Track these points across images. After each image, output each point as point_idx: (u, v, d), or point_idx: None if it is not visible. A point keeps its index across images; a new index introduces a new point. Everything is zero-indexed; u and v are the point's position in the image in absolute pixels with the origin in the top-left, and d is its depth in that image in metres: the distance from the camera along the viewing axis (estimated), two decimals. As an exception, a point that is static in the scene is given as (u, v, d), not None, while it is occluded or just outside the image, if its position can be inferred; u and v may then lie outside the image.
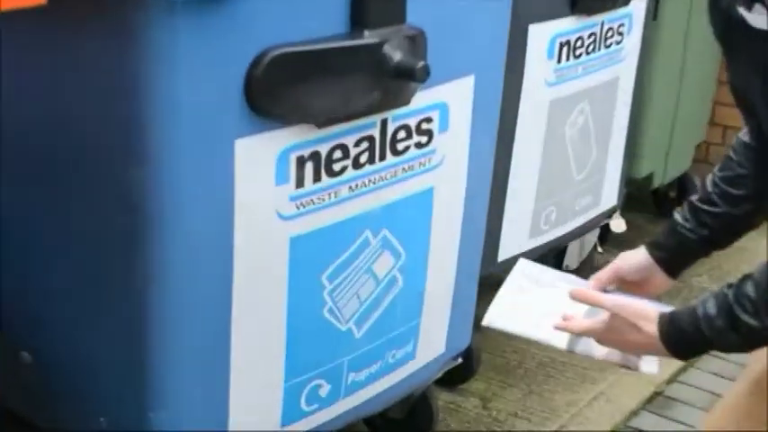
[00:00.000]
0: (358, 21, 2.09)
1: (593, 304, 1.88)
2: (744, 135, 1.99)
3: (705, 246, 2.01)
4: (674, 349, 1.71)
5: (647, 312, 1.75)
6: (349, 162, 2.20)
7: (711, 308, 1.62)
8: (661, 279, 2.04)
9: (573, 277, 2.20)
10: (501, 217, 3.11)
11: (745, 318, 1.55)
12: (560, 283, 2.09)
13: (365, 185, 2.26)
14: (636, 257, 2.04)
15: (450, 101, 2.40)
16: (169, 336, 2.03)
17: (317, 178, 2.15)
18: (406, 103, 2.25)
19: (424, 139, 2.36)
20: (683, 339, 1.69)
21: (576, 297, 1.92)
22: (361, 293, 2.36)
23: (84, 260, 2.09)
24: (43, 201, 2.06)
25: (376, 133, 2.24)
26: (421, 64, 2.13)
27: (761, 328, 1.54)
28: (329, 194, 2.19)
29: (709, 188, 2.00)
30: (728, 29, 1.64)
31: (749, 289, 1.56)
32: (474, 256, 2.69)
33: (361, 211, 2.28)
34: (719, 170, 2.02)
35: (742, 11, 1.54)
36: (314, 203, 2.16)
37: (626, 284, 2.04)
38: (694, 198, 2.03)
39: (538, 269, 2.20)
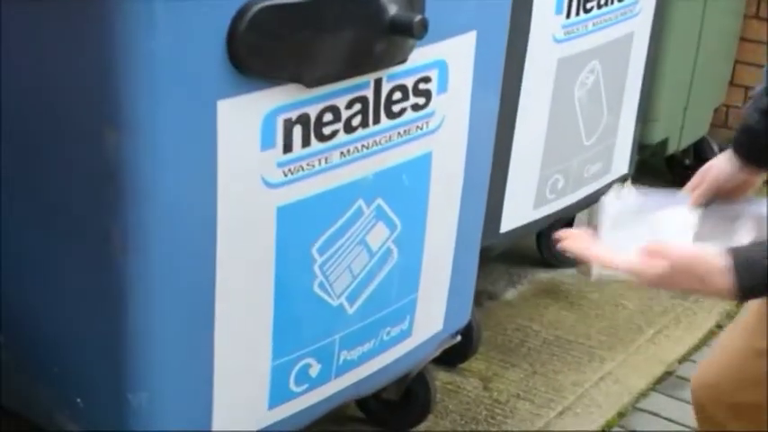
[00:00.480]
0: (350, -29, 2.09)
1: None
2: None
3: None
4: (747, 292, 1.61)
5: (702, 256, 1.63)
6: (340, 125, 2.20)
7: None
8: (755, 174, 2.10)
9: (677, 195, 2.11)
10: (504, 185, 3.11)
11: None
12: (670, 203, 2.01)
13: (358, 151, 2.26)
14: (726, 167, 2.05)
15: (450, 59, 2.40)
16: (148, 312, 2.04)
17: (305, 143, 2.15)
18: (403, 60, 2.25)
19: (421, 100, 2.36)
20: (759, 282, 1.59)
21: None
22: (353, 267, 2.37)
23: (58, 233, 2.10)
24: (17, 173, 2.08)
25: (369, 94, 2.24)
26: (418, 18, 2.12)
27: None
28: (319, 160, 2.19)
29: None
30: None
31: None
32: (475, 226, 2.70)
33: (353, 178, 2.28)
34: None
35: None
36: (303, 170, 2.16)
37: (723, 192, 2.06)
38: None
39: (639, 195, 2.06)
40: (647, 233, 1.76)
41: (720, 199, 2.03)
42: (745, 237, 1.78)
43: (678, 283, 1.68)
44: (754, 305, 2.03)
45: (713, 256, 1.57)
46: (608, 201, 1.94)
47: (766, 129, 2.00)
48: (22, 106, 2.03)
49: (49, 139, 2.04)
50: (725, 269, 1.55)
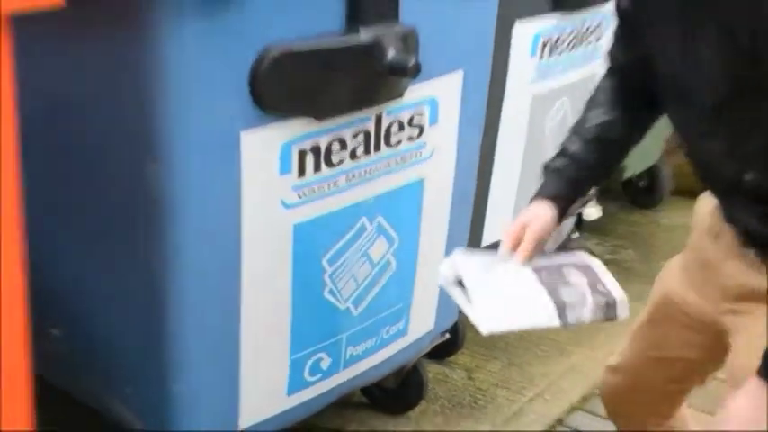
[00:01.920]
0: (353, 18, 2.09)
1: None
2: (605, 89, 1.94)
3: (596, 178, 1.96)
4: None
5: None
6: (346, 154, 2.20)
7: None
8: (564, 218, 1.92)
9: (502, 250, 1.86)
10: (485, 204, 3.10)
11: None
12: (499, 261, 1.82)
13: (361, 176, 2.26)
14: (543, 215, 1.81)
15: (440, 96, 2.40)
16: (185, 315, 2.04)
17: (317, 169, 2.14)
18: (399, 97, 2.25)
19: (415, 132, 2.36)
20: None
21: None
22: (358, 275, 2.37)
23: (108, 248, 2.10)
24: (71, 195, 2.08)
25: (371, 127, 2.24)
26: (413, 61, 2.13)
27: None
28: (328, 184, 2.19)
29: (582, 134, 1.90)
30: None
31: None
32: (460, 241, 2.68)
33: (357, 199, 2.28)
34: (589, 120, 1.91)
35: None
36: (314, 192, 2.16)
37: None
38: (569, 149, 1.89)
39: (469, 256, 1.90)
40: (506, 288, 1.74)
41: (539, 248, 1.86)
42: (578, 284, 1.78)
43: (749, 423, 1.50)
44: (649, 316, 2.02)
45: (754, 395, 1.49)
46: (457, 261, 1.82)
47: (596, 160, 1.89)
48: (72, 140, 2.04)
49: (96, 167, 2.03)
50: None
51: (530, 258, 1.79)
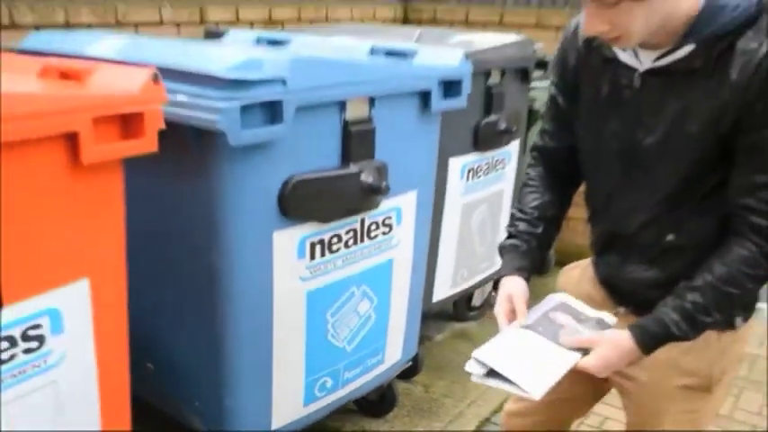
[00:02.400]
0: (345, 157, 2.11)
1: (587, 345, 1.38)
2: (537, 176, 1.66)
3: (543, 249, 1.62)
4: (651, 351, 1.36)
5: (614, 337, 1.38)
6: (342, 244, 2.21)
7: (676, 316, 1.31)
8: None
9: (502, 323, 1.50)
10: (434, 274, 3.12)
11: (702, 318, 1.31)
12: (505, 333, 1.48)
13: (351, 258, 2.26)
14: (519, 287, 1.52)
15: (403, 206, 2.41)
16: (235, 352, 2.04)
17: (322, 254, 2.16)
18: (376, 207, 2.27)
19: (387, 229, 2.37)
20: (657, 343, 1.34)
21: (569, 343, 1.41)
22: (350, 324, 2.37)
23: (184, 307, 2.10)
24: (161, 273, 2.08)
25: (357, 226, 2.25)
26: (384, 184, 2.17)
27: (712, 321, 1.33)
28: (330, 264, 2.20)
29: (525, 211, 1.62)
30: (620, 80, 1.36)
31: (699, 298, 1.30)
32: (418, 298, 2.69)
33: (349, 274, 2.28)
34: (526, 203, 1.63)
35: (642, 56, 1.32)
36: (320, 270, 2.17)
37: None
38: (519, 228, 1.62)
39: (485, 349, 1.44)
40: (526, 356, 1.38)
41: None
42: (567, 323, 1.46)
43: (614, 365, 1.36)
44: None
45: (621, 338, 1.35)
46: (479, 357, 1.41)
47: (541, 234, 1.60)
48: (161, 238, 2.05)
49: (178, 255, 2.05)
50: (632, 344, 1.34)
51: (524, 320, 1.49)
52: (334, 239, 2.18)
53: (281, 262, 2.04)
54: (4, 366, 1.42)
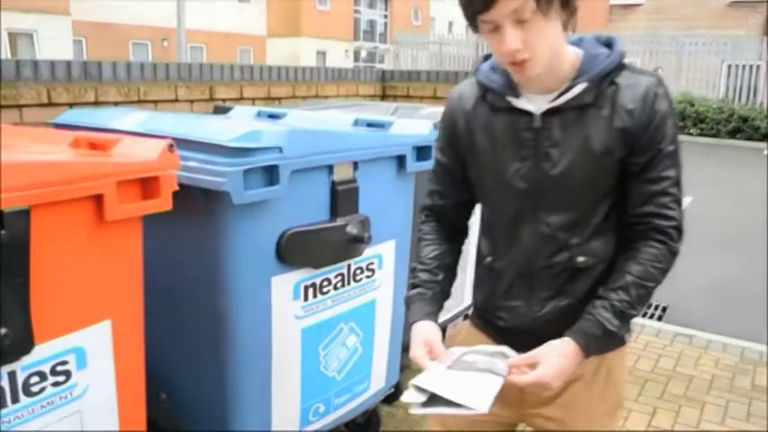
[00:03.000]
0: (333, 212, 2.12)
1: (532, 361, 1.28)
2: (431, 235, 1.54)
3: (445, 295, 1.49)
4: (591, 351, 1.30)
5: (556, 346, 1.29)
6: (331, 287, 2.21)
7: (607, 314, 1.28)
8: None
9: (427, 365, 1.34)
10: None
11: (630, 312, 1.29)
12: (430, 372, 1.32)
13: (340, 299, 2.26)
14: (433, 330, 1.39)
15: (383, 253, 2.41)
16: (239, 383, 2.01)
17: (314, 296, 2.15)
18: (360, 255, 2.27)
19: (370, 273, 2.36)
20: (596, 342, 1.29)
21: (514, 365, 1.29)
22: (340, 356, 2.34)
23: (193, 343, 2.08)
24: (171, 313, 2.05)
25: (345, 271, 2.25)
26: (367, 235, 2.19)
27: (636, 314, 1.31)
28: (321, 304, 2.19)
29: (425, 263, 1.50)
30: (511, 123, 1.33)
31: (624, 295, 1.28)
32: (399, 332, 2.67)
33: (338, 312, 2.27)
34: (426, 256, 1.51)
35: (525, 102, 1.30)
36: (313, 309, 2.16)
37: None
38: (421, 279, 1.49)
39: (418, 383, 1.29)
40: (459, 381, 1.27)
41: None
42: (476, 360, 1.33)
43: (566, 370, 1.28)
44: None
45: (563, 346, 1.28)
46: (418, 385, 1.28)
47: (442, 280, 1.48)
48: (173, 280, 2.03)
49: (188, 296, 2.03)
50: (575, 347, 1.28)
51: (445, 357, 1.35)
52: (325, 283, 2.18)
53: (279, 303, 2.03)
54: (35, 398, 1.41)
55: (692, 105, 16.76)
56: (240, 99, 3.54)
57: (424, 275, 1.49)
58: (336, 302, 2.25)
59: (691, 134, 16.54)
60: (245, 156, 1.77)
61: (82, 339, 1.49)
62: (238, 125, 1.98)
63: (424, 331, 1.39)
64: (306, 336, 2.16)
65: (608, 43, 1.32)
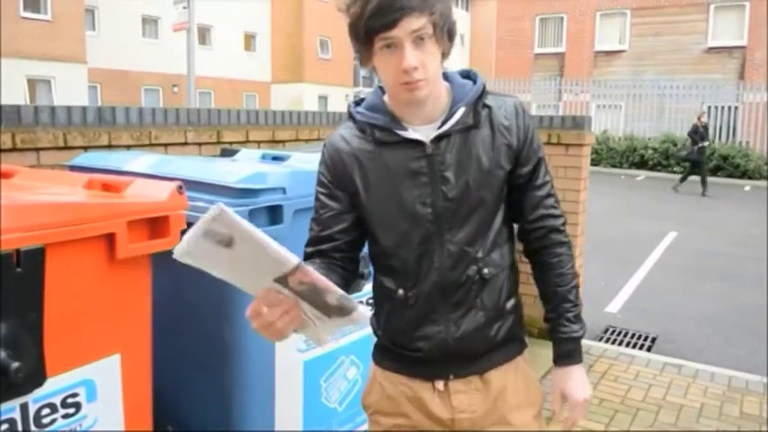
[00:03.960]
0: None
1: (559, 402, 1.43)
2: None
3: None
4: (580, 358, 1.41)
5: (560, 376, 1.41)
6: None
7: (573, 325, 1.39)
8: None
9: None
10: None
11: (579, 311, 1.40)
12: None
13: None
14: None
15: None
16: (245, 411, 1.98)
17: (316, 330, 2.15)
18: (360, 290, 2.19)
19: (370, 308, 2.33)
20: (577, 350, 1.40)
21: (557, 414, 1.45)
22: (341, 388, 2.32)
23: (199, 376, 2.06)
24: (183, 345, 2.05)
25: None
26: (366, 271, 2.07)
27: (580, 308, 1.42)
28: (323, 338, 2.18)
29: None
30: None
31: (567, 303, 1.39)
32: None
33: (339, 346, 2.26)
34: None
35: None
36: (314, 343, 2.15)
37: None
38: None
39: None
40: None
41: None
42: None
43: (585, 383, 1.41)
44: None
45: (567, 372, 1.40)
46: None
47: None
48: (182, 311, 2.03)
49: (197, 327, 2.02)
50: (574, 365, 1.40)
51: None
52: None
53: (282, 337, 2.01)
54: (46, 430, 1.40)
55: (675, 145, 16.90)
56: (246, 142, 3.57)
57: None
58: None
59: (674, 172, 16.64)
60: (251, 196, 1.79)
61: (92, 372, 1.48)
62: (244, 167, 2.00)
63: None
64: (308, 368, 2.15)
65: (468, 75, 1.39)
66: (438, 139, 1.31)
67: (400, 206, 1.33)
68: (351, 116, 1.38)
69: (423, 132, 1.31)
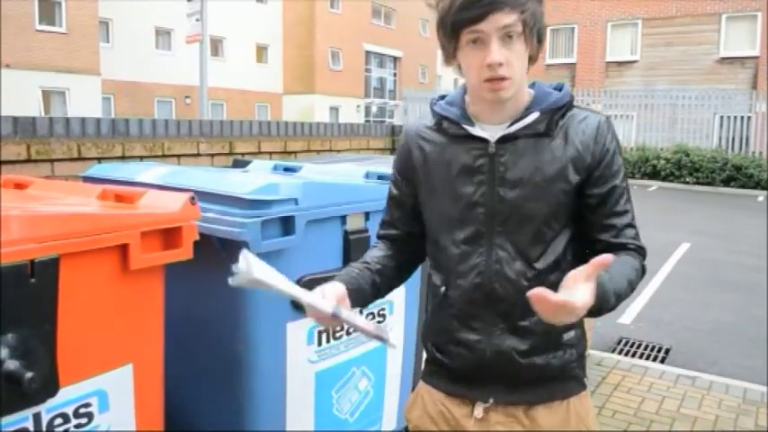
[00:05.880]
0: (346, 261, 2.10)
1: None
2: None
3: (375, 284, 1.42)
4: (600, 307, 1.15)
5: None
6: (344, 332, 2.18)
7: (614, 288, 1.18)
8: None
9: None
10: (422, 354, 3.07)
11: (627, 290, 1.22)
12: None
13: (352, 343, 2.23)
14: (336, 287, 1.31)
15: (394, 299, 2.39)
16: (255, 425, 1.97)
17: (327, 341, 2.13)
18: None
19: (381, 318, 2.34)
20: (606, 298, 1.13)
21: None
22: (352, 399, 2.31)
23: (211, 387, 2.05)
24: (190, 358, 2.05)
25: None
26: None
27: (623, 295, 1.21)
28: (334, 349, 2.17)
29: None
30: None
31: (623, 280, 1.22)
32: (409, 376, 2.62)
33: (350, 357, 2.24)
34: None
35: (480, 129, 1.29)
36: (326, 354, 2.14)
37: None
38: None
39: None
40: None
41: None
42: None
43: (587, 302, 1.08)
44: None
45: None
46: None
47: (370, 277, 1.40)
48: (195, 326, 2.02)
49: (209, 340, 2.02)
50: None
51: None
52: (338, 328, 2.16)
53: (294, 348, 2.02)
54: (59, 441, 1.40)
55: (688, 155, 16.79)
56: (258, 153, 3.59)
57: (358, 264, 1.41)
58: (349, 347, 2.23)
59: (687, 182, 16.53)
60: (263, 207, 1.79)
61: (105, 382, 1.48)
62: (256, 178, 2.00)
63: (330, 285, 1.29)
64: (319, 379, 2.14)
65: (558, 87, 1.34)
66: (504, 139, 1.27)
67: (454, 200, 1.31)
68: (431, 107, 1.39)
69: (490, 131, 1.29)
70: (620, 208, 1.28)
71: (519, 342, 1.28)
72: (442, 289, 1.35)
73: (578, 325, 1.31)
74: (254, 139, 3.58)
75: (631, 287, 1.24)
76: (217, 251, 1.83)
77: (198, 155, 3.22)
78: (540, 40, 1.24)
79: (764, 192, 15.54)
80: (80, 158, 2.66)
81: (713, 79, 19.48)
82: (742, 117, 18.15)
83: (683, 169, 16.80)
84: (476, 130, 1.29)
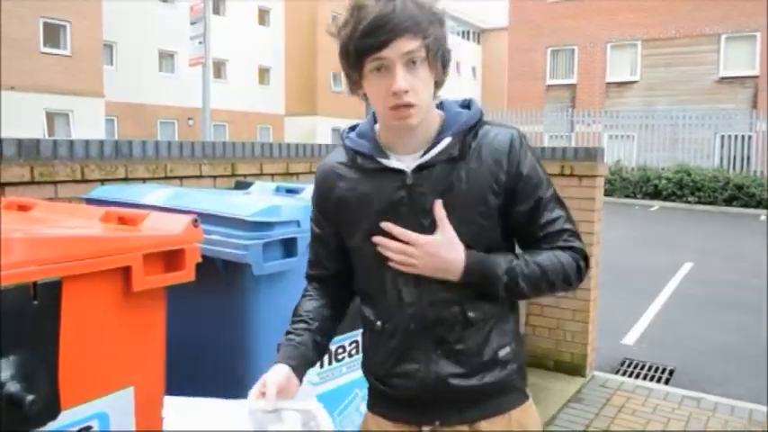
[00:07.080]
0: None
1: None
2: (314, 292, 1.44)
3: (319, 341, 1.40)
4: (469, 275, 1.23)
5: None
6: (346, 354, 2.18)
7: (510, 263, 1.23)
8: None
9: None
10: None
11: (520, 282, 1.24)
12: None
13: (354, 365, 2.22)
14: (279, 373, 1.31)
15: None
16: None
17: (329, 363, 2.13)
18: None
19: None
20: (479, 269, 1.23)
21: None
22: (354, 421, 2.28)
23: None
24: (191, 379, 2.04)
25: (359, 339, 2.17)
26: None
27: (525, 289, 1.25)
28: (336, 371, 2.16)
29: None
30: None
31: (526, 268, 1.24)
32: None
33: (352, 379, 2.23)
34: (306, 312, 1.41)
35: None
36: (328, 375, 2.14)
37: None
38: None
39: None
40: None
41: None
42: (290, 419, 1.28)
43: (438, 251, 1.22)
44: None
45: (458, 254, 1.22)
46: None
47: (314, 332, 1.38)
48: (198, 344, 2.02)
49: (211, 358, 2.02)
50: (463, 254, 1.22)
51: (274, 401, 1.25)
52: (340, 350, 2.16)
53: (295, 369, 2.00)
54: (59, 464, 1.39)
55: (689, 175, 16.82)
56: (260, 175, 3.60)
57: (297, 324, 1.39)
58: (351, 369, 2.21)
59: (689, 202, 16.53)
60: (265, 229, 1.79)
61: (106, 405, 1.48)
62: (258, 200, 2.01)
63: (271, 372, 1.29)
64: (321, 401, 2.09)
65: (466, 105, 1.32)
66: (420, 168, 1.25)
67: (378, 235, 1.27)
68: (342, 142, 1.36)
69: (405, 161, 1.26)
70: (551, 216, 1.28)
71: (455, 366, 1.29)
72: (378, 323, 1.35)
73: (512, 340, 1.33)
74: (256, 160, 3.60)
75: (546, 276, 1.25)
76: (219, 273, 1.84)
77: (200, 176, 3.24)
78: (445, 65, 1.23)
79: (766, 211, 15.54)
80: (83, 180, 2.67)
81: (713, 99, 19.57)
82: (743, 136, 18.23)
83: (684, 189, 16.82)
84: (391, 162, 1.27)
